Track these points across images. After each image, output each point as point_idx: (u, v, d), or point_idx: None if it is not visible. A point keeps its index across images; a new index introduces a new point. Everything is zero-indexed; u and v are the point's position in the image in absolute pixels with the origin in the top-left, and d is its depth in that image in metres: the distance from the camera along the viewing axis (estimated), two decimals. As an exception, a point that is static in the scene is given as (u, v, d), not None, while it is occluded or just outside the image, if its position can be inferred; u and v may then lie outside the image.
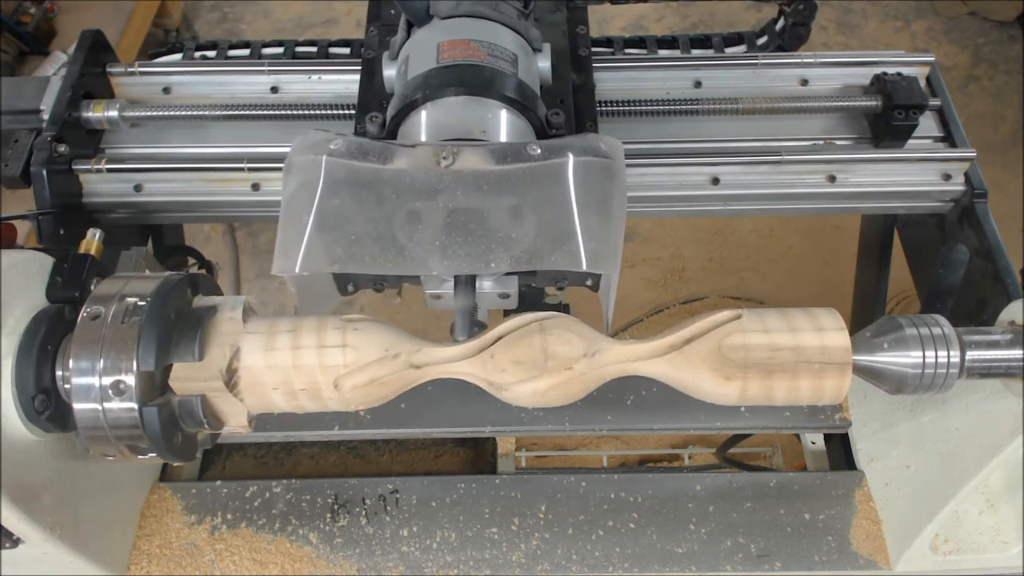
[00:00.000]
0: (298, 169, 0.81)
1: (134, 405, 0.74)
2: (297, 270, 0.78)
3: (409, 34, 1.01)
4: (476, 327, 0.86)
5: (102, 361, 0.73)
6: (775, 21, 1.47)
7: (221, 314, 0.79)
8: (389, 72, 1.01)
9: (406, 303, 2.69)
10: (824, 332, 0.80)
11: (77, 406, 0.74)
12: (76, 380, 0.74)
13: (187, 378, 0.77)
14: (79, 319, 0.76)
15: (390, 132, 0.94)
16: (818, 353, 0.80)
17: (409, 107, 0.92)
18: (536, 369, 0.78)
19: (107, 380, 0.73)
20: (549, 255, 0.79)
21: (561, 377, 0.78)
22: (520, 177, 0.80)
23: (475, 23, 0.97)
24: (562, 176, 0.80)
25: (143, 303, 0.75)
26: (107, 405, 0.73)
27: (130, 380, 0.73)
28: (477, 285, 0.89)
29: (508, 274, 0.96)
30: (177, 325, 0.77)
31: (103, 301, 0.76)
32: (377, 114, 0.97)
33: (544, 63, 1.01)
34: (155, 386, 0.76)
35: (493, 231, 0.79)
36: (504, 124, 0.91)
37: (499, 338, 0.79)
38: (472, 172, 0.80)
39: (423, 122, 0.91)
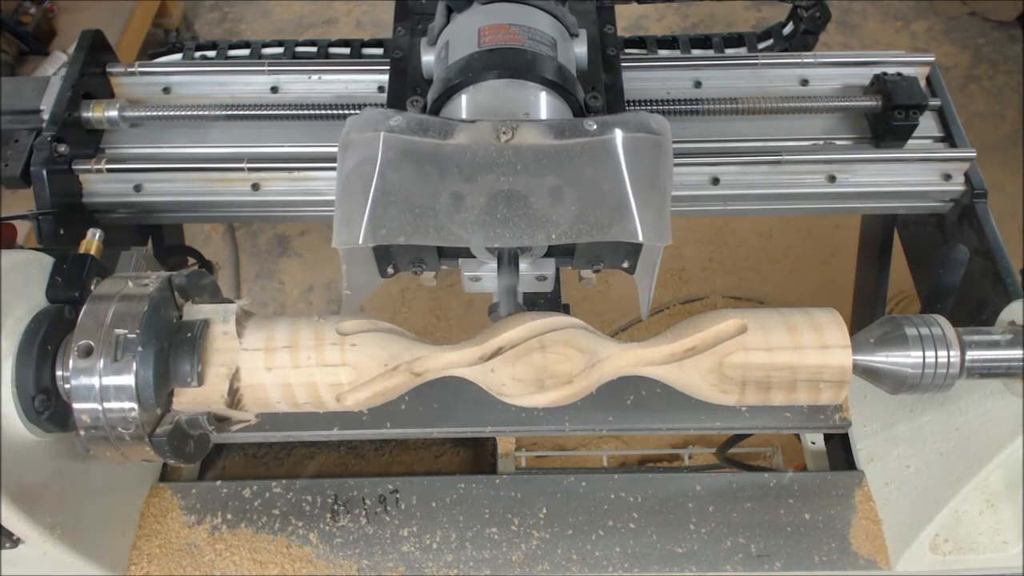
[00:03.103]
0: (357, 145, 0.82)
1: (144, 437, 0.75)
2: (360, 242, 0.78)
3: (448, 20, 1.02)
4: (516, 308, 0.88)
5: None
6: (783, 25, 1.47)
7: (214, 328, 0.78)
8: (427, 58, 1.02)
9: (407, 302, 2.69)
10: (828, 350, 0.80)
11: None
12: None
13: (190, 402, 0.78)
14: (71, 358, 0.74)
15: (431, 115, 0.95)
16: (816, 372, 0.80)
17: (452, 90, 0.93)
18: (535, 386, 0.79)
19: (112, 416, 0.74)
20: (607, 227, 0.80)
21: (560, 392, 0.80)
22: (578, 152, 0.81)
23: (515, 8, 0.99)
24: (618, 151, 0.82)
25: (133, 335, 0.73)
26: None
27: (134, 415, 0.74)
28: None
29: (545, 256, 0.98)
30: (171, 348, 0.76)
31: (97, 320, 0.74)
32: (418, 98, 0.98)
33: (580, 48, 1.02)
34: (160, 410, 0.76)
35: (553, 204, 0.80)
36: (545, 106, 0.93)
37: (499, 348, 0.79)
38: (531, 147, 0.81)
39: (465, 105, 0.93)
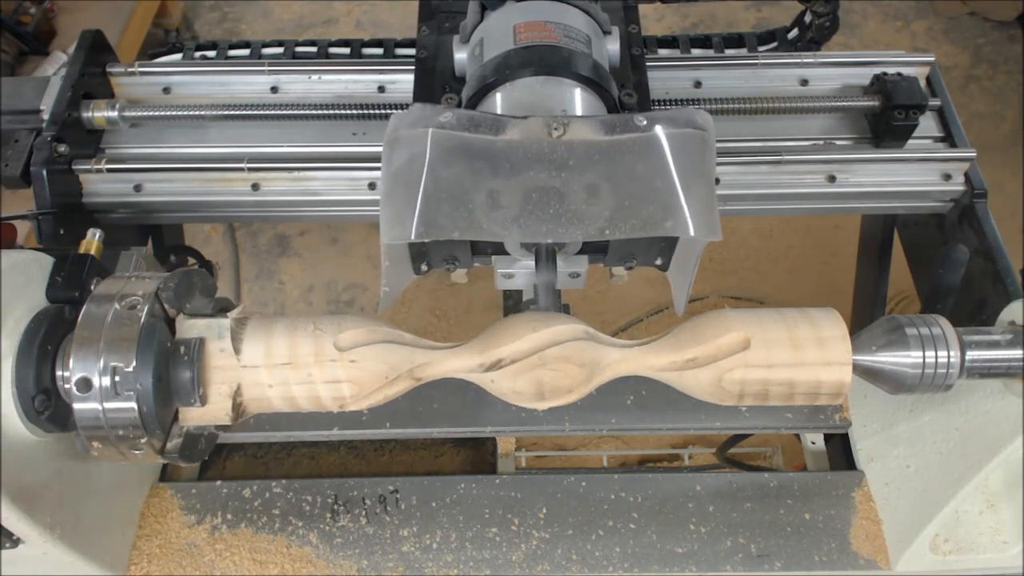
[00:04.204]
0: (405, 142, 0.81)
1: (157, 454, 0.76)
2: (412, 237, 0.78)
3: (482, 17, 1.02)
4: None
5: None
6: (787, 30, 1.47)
7: (210, 346, 0.78)
8: (460, 55, 1.02)
9: (407, 303, 2.69)
10: (828, 367, 0.80)
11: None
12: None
13: (196, 419, 0.78)
14: (74, 401, 0.74)
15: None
16: (815, 386, 0.81)
17: (488, 87, 0.93)
18: (535, 397, 0.80)
19: (120, 441, 0.74)
20: (659, 223, 0.80)
21: (559, 400, 0.81)
22: (629, 147, 0.81)
23: (549, 5, 1.00)
24: (669, 146, 0.82)
25: (130, 369, 0.72)
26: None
27: (143, 442, 0.75)
28: None
29: (578, 253, 0.98)
30: (170, 372, 0.76)
31: (91, 349, 0.73)
32: (453, 95, 0.98)
33: (613, 46, 1.02)
34: (168, 428, 0.77)
35: (605, 200, 0.80)
36: (581, 103, 0.93)
37: (499, 360, 0.79)
38: (583, 142, 0.81)
39: (501, 102, 0.93)
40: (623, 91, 0.99)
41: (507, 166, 0.80)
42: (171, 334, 0.78)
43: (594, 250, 0.99)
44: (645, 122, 0.82)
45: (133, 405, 0.72)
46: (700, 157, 0.83)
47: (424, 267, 0.97)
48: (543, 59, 0.92)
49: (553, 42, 0.94)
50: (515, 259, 0.98)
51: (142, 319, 0.74)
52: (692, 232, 0.80)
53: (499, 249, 0.97)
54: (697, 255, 0.88)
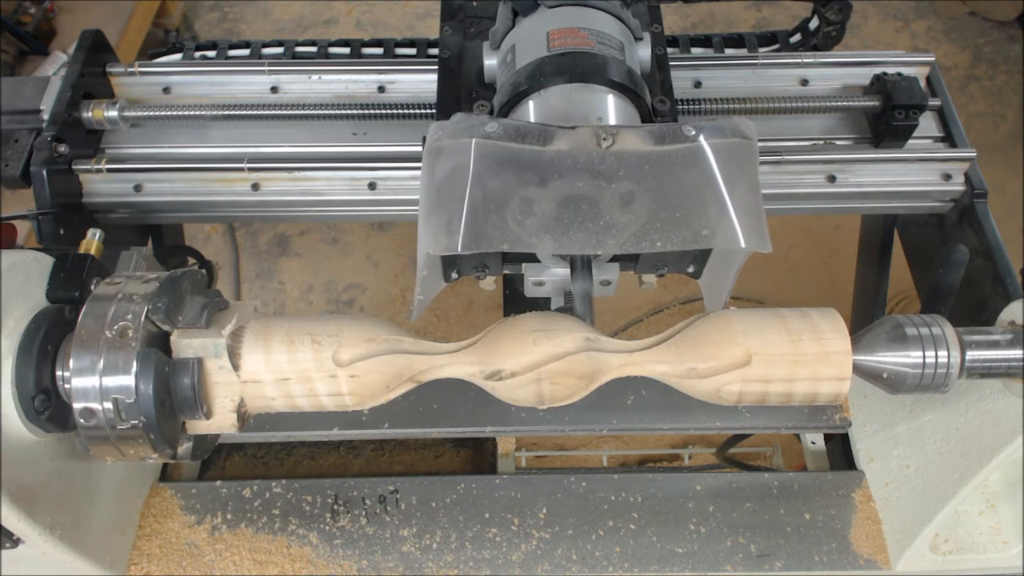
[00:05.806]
0: (449, 152, 0.80)
1: (169, 459, 0.78)
2: (460, 249, 0.77)
3: (513, 23, 1.01)
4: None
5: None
6: (790, 34, 1.47)
7: (209, 364, 0.77)
8: (490, 61, 1.01)
9: (406, 302, 2.69)
10: (828, 382, 0.81)
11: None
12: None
13: (203, 429, 0.79)
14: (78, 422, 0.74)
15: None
16: (812, 397, 0.81)
17: (522, 95, 0.92)
18: (535, 403, 0.81)
19: (131, 456, 0.75)
20: (710, 234, 0.79)
21: (559, 404, 0.81)
22: (679, 158, 0.80)
23: (582, 11, 0.99)
24: (719, 156, 0.81)
25: (131, 400, 0.73)
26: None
27: (154, 457, 0.76)
28: None
29: (610, 261, 0.98)
30: (172, 395, 0.76)
31: (90, 383, 0.73)
32: (484, 102, 0.98)
33: (644, 51, 1.01)
34: (176, 440, 0.78)
35: (655, 210, 0.79)
36: (616, 110, 0.92)
37: (499, 371, 0.79)
38: (633, 153, 0.79)
39: (534, 109, 0.92)
40: (656, 98, 0.99)
41: (556, 177, 0.79)
42: (168, 354, 0.77)
43: (625, 258, 0.98)
44: (694, 132, 0.81)
45: (140, 430, 0.73)
46: (749, 166, 0.82)
47: (454, 275, 0.96)
48: (578, 66, 0.91)
49: (587, 49, 0.93)
50: (545, 267, 0.97)
51: (135, 347, 0.74)
52: (743, 244, 0.78)
53: (530, 257, 0.97)
54: (739, 265, 0.87)
